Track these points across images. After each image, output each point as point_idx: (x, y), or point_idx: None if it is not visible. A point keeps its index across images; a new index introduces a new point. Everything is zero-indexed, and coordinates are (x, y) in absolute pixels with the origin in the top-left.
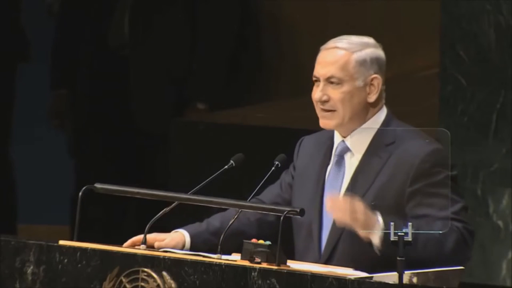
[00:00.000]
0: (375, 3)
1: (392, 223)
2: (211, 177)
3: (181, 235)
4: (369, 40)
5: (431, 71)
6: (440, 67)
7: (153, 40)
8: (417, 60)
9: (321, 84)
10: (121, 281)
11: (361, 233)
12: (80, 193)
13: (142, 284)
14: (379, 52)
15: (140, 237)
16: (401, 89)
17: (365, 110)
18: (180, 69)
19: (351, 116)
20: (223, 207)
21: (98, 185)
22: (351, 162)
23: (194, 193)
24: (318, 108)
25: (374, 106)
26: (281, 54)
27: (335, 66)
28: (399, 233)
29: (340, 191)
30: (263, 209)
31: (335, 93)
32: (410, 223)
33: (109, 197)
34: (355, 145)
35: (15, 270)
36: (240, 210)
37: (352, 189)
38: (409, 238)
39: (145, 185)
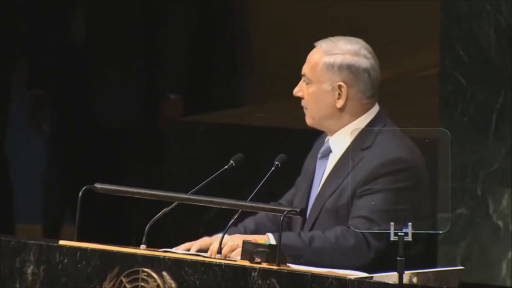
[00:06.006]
0: (375, 3)
1: (392, 223)
2: (211, 177)
3: None
4: (353, 46)
5: (431, 71)
6: (440, 67)
7: (114, 33)
8: (417, 60)
9: (301, 80)
10: (121, 281)
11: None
12: (80, 193)
13: (142, 284)
14: (355, 60)
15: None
16: (401, 89)
17: (337, 114)
18: (144, 62)
19: (322, 116)
20: (223, 207)
21: (98, 185)
22: (331, 163)
23: (194, 193)
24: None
25: (350, 114)
26: (281, 54)
27: (308, 65)
28: (399, 233)
29: (317, 191)
30: (263, 209)
31: (306, 93)
32: (410, 223)
33: (109, 197)
34: (336, 146)
35: (15, 270)
36: (240, 210)
37: (323, 189)
38: (409, 238)
39: (145, 185)
